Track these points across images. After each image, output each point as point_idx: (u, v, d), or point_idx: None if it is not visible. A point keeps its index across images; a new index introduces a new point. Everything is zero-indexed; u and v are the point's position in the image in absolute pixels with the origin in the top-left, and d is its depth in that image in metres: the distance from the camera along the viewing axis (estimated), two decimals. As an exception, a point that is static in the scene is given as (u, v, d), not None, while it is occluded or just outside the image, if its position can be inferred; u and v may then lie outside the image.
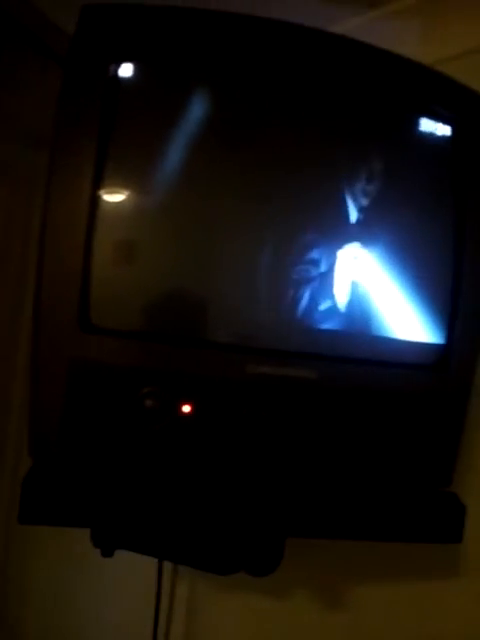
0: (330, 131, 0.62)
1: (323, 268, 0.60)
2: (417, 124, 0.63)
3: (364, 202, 0.61)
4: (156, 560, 0.85)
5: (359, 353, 0.61)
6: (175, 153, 0.59)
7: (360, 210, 0.61)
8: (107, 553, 0.77)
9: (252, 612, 0.88)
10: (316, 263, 0.60)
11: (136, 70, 0.59)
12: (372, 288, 0.62)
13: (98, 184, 0.56)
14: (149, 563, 0.85)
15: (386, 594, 0.79)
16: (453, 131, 0.63)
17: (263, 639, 0.88)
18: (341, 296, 0.61)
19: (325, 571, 0.83)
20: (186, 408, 0.55)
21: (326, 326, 0.60)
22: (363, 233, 0.61)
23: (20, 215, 1.10)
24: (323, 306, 0.60)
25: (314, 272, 0.60)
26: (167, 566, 0.90)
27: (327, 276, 0.60)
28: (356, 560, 0.80)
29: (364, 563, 0.80)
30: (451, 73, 0.73)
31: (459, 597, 0.75)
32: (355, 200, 0.61)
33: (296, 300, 0.59)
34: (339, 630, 0.82)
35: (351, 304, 0.61)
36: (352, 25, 0.97)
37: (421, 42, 0.94)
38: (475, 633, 0.73)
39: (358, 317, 0.61)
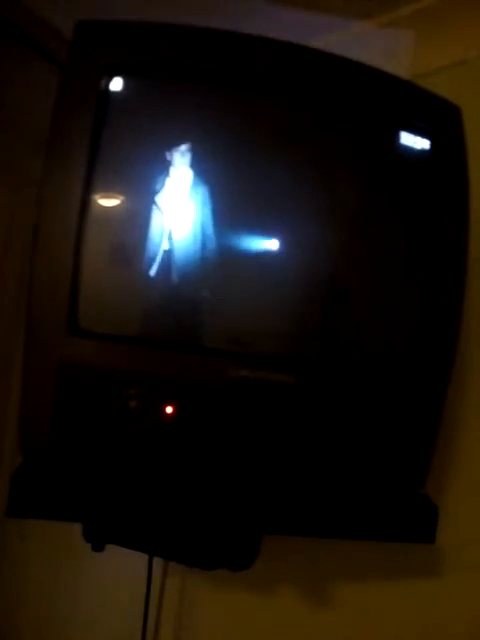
0: (311, 145, 0.64)
1: (303, 276, 0.63)
2: (396, 138, 0.65)
3: (344, 212, 0.63)
4: (147, 557, 0.87)
5: (337, 357, 0.63)
6: (163, 161, 0.61)
7: (340, 220, 0.63)
8: (97, 548, 0.79)
9: (241, 608, 0.90)
10: (296, 271, 0.62)
11: (127, 83, 0.61)
12: (349, 295, 0.64)
13: (89, 191, 0.58)
14: (141, 560, 0.87)
15: (371, 592, 0.81)
16: (431, 144, 0.64)
17: (251, 634, 0.90)
18: (320, 303, 0.63)
19: (312, 569, 0.85)
20: (169, 410, 0.57)
21: (305, 331, 0.62)
22: (342, 242, 0.63)
23: (23, 216, 1.12)
24: (302, 312, 0.62)
25: (293, 279, 0.62)
26: (158, 563, 0.92)
27: (306, 283, 0.63)
28: (342, 559, 0.82)
29: (350, 561, 0.82)
30: (445, 83, 0.75)
31: (442, 595, 0.77)
32: (335, 210, 0.63)
33: (276, 306, 0.61)
34: (325, 626, 0.83)
35: (329, 310, 0.63)
36: (347, 35, 0.98)
37: (416, 52, 0.95)
38: (456, 631, 0.75)
39: (335, 323, 0.63)
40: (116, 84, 0.60)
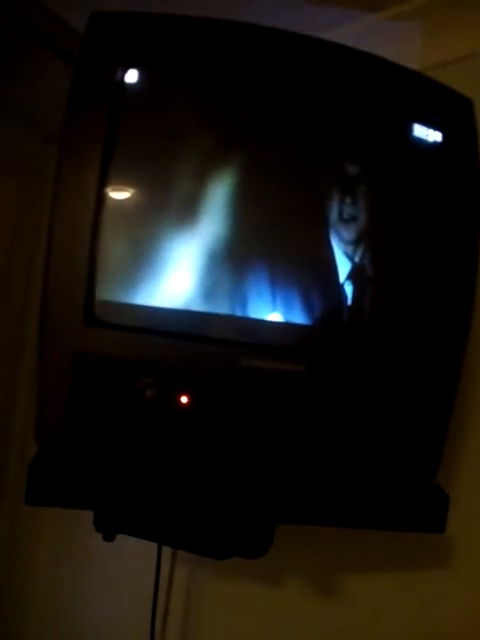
0: (324, 136, 0.64)
1: (313, 268, 0.63)
2: (408, 130, 0.65)
3: (355, 205, 0.63)
4: (156, 546, 0.88)
5: (348, 346, 0.64)
6: (180, 154, 0.61)
7: (351, 212, 0.63)
8: (108, 537, 0.80)
9: (248, 598, 0.91)
10: (306, 263, 0.63)
11: (141, 75, 0.61)
12: (361, 284, 0.64)
13: (104, 184, 0.58)
14: (150, 549, 0.88)
15: (379, 582, 0.81)
16: (443, 137, 0.65)
17: (259, 624, 0.90)
18: (331, 294, 0.63)
19: (319, 560, 0.86)
20: (184, 399, 0.58)
21: (316, 322, 0.63)
22: (353, 234, 0.64)
23: (30, 208, 1.12)
24: (313, 304, 0.62)
25: (305, 271, 0.63)
26: (167, 552, 0.93)
27: (317, 275, 0.63)
28: (350, 549, 0.82)
29: (358, 552, 0.83)
30: (454, 76, 0.74)
31: (449, 586, 0.77)
32: (346, 202, 0.63)
33: (288, 298, 0.62)
34: (332, 616, 0.84)
35: (340, 301, 0.64)
36: (354, 28, 0.98)
37: (424, 45, 0.95)
38: (464, 621, 0.76)
39: (347, 312, 0.64)
40: (131, 76, 0.60)
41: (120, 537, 0.73)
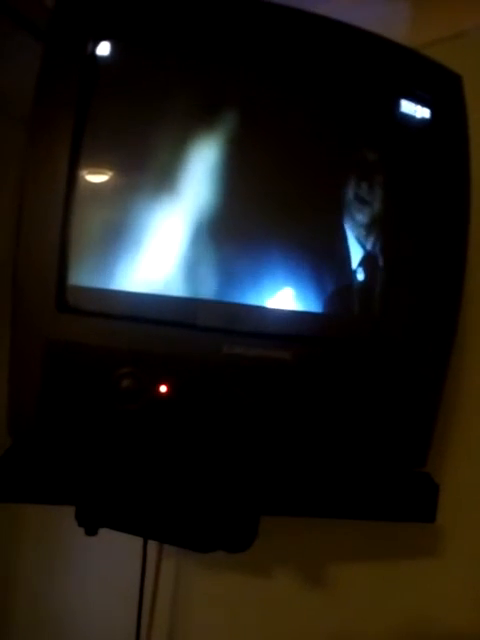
0: (310, 113, 0.62)
1: (299, 250, 0.61)
2: (398, 106, 0.63)
3: (343, 185, 0.61)
4: (142, 540, 0.86)
5: (333, 333, 0.62)
6: (153, 131, 0.58)
7: (339, 194, 0.61)
8: (91, 532, 0.78)
9: (236, 591, 0.90)
10: (293, 246, 0.61)
11: (115, 48, 0.58)
12: (346, 270, 0.62)
13: (76, 162, 0.55)
14: (136, 544, 0.86)
15: (369, 573, 0.81)
16: (432, 113, 0.63)
17: (247, 616, 0.89)
18: (316, 279, 0.61)
19: (308, 551, 0.85)
20: (163, 388, 0.55)
21: (301, 308, 0.61)
22: (339, 216, 0.62)
23: (9, 192, 1.09)
24: (299, 289, 0.60)
25: (290, 255, 0.60)
26: (153, 546, 0.91)
27: (302, 259, 0.61)
28: (339, 540, 0.82)
29: (347, 543, 0.82)
30: (443, 55, 0.73)
31: (439, 575, 0.77)
32: (333, 183, 0.61)
33: (271, 283, 0.60)
34: (320, 607, 0.83)
35: (325, 287, 0.61)
36: (344, 5, 0.96)
37: (413, 23, 0.93)
38: (455, 610, 0.75)
39: (331, 299, 0.62)
40: (103, 48, 0.57)
41: (105, 530, 0.71)
